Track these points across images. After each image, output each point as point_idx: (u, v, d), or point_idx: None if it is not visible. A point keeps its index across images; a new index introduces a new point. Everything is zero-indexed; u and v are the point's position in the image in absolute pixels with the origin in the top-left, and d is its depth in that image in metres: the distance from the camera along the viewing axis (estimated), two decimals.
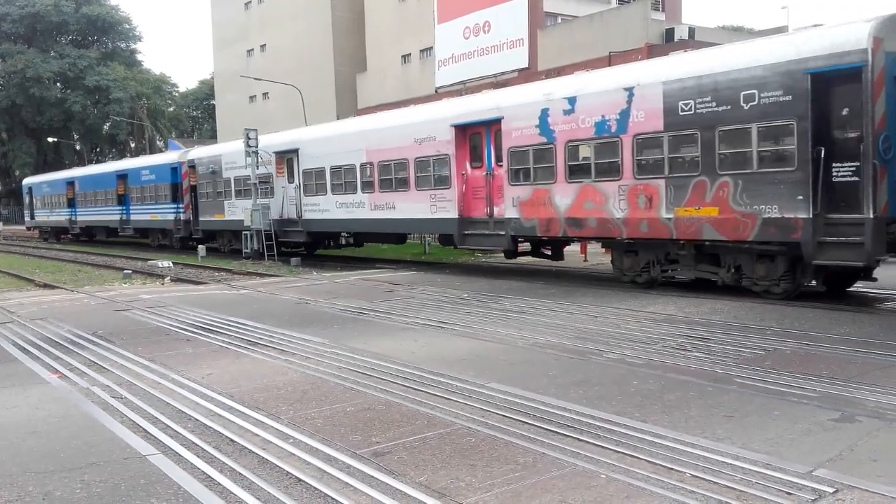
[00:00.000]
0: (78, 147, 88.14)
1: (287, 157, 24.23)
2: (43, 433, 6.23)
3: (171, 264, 25.30)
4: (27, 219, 53.19)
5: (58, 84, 79.80)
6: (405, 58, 49.11)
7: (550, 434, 5.78)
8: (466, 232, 17.81)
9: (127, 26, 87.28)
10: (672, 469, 5.00)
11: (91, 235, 43.34)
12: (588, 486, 4.76)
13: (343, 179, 21.58)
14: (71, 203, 43.69)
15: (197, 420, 6.45)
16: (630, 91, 13.73)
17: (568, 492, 4.68)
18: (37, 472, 5.30)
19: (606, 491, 4.69)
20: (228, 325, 11.51)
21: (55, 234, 47.83)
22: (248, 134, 24.95)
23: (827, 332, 9.60)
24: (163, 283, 19.88)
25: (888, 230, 10.99)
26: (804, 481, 4.73)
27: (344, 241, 25.86)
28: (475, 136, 17.54)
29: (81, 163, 71.40)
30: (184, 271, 23.55)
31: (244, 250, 26.11)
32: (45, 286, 19.86)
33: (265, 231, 24.76)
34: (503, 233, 16.68)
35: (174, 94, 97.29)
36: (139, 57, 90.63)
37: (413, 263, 22.51)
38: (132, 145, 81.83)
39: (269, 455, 5.49)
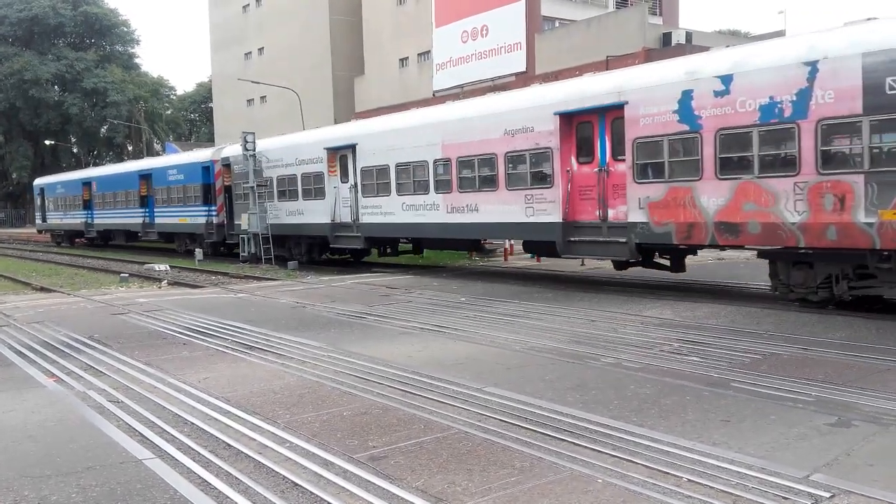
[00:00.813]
0: (75, 150, 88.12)
1: (341, 154, 21.52)
2: (39, 437, 6.22)
3: (168, 268, 25.29)
4: (38, 221, 50.39)
5: (55, 87, 79.81)
6: (403, 61, 49.19)
7: (547, 438, 5.79)
8: (572, 238, 15.13)
9: (125, 29, 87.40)
10: (668, 473, 5.00)
11: (107, 239, 40.84)
12: (584, 491, 4.76)
13: (412, 178, 18.82)
14: (87, 205, 40.72)
15: (193, 424, 6.44)
16: (813, 66, 11.19)
17: (564, 496, 4.69)
18: (33, 477, 5.29)
19: (603, 495, 4.69)
20: (225, 328, 11.50)
21: (69, 237, 45.11)
22: (245, 137, 24.96)
23: (823, 336, 9.62)
24: (160, 287, 19.87)
25: None
26: (801, 486, 4.74)
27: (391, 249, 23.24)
28: (584, 126, 14.91)
29: (79, 166, 71.26)
30: (181, 275, 23.53)
31: (241, 254, 26.09)
32: (42, 290, 19.85)
33: (262, 234, 24.74)
34: (623, 240, 14.02)
35: (172, 97, 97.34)
36: (137, 60, 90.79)
37: (409, 267, 22.50)
38: (129, 148, 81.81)
39: (265, 459, 5.48)
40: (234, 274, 22.60)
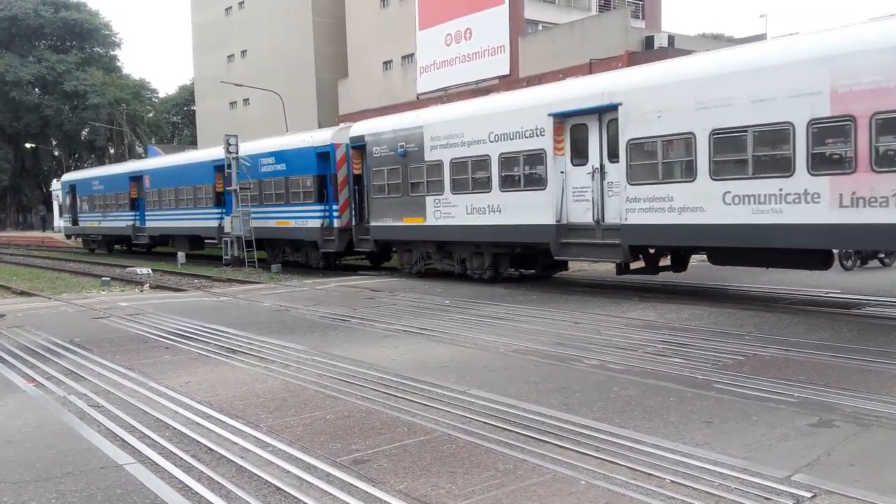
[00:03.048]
0: (56, 153, 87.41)
1: (575, 124, 14.82)
2: (18, 442, 6.14)
3: (150, 271, 25.13)
4: (66, 224, 43.49)
5: (36, 89, 79.12)
6: (387, 64, 49.11)
7: (531, 440, 5.78)
8: None
9: (106, 32, 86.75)
10: (651, 475, 5.01)
11: (151, 246, 34.78)
12: (568, 493, 4.76)
13: (749, 152, 12.02)
14: (135, 205, 34.10)
15: (175, 429, 6.39)
16: None
17: (548, 498, 4.68)
18: (12, 482, 5.22)
19: (586, 497, 4.69)
20: (208, 332, 11.42)
21: (107, 244, 38.60)
22: (228, 140, 24.86)
23: (805, 337, 9.68)
24: (141, 291, 19.73)
25: None
26: (782, 486, 4.76)
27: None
28: None
29: (60, 169, 70.61)
30: (163, 278, 23.38)
31: (224, 257, 25.94)
32: (22, 293, 19.65)
33: (245, 238, 24.62)
34: None
35: (154, 99, 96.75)
36: (118, 63, 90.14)
37: (394, 270, 22.44)
38: (111, 151, 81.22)
39: (247, 464, 5.45)
40: (216, 277, 22.48)
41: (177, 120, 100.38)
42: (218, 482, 5.10)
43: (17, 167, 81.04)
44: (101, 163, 71.52)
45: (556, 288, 16.15)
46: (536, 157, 15.39)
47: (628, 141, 13.68)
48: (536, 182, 15.48)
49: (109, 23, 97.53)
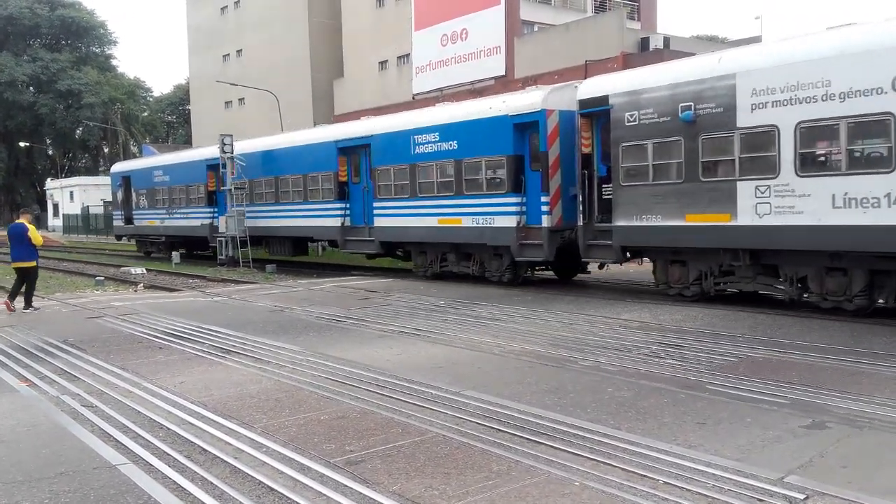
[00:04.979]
0: (50, 152, 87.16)
1: None
2: (11, 442, 6.13)
3: (145, 271, 25.09)
4: (118, 223, 36.42)
5: (30, 88, 78.94)
6: (382, 64, 49.11)
7: (525, 441, 5.79)
8: None
9: (102, 31, 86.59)
10: (645, 476, 5.02)
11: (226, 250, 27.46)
12: (562, 494, 4.77)
13: None
14: (212, 199, 27.89)
15: (168, 429, 6.37)
16: None
17: (542, 499, 4.69)
18: (4, 483, 5.21)
19: (580, 498, 4.70)
20: (202, 332, 11.40)
21: (171, 246, 31.45)
22: (223, 140, 24.84)
23: (798, 339, 9.71)
24: (136, 290, 19.70)
25: None
26: (775, 488, 4.77)
27: None
28: None
29: (54, 168, 70.28)
30: (157, 278, 23.34)
31: (219, 257, 25.89)
32: None
33: (239, 237, 24.58)
34: None
35: (148, 98, 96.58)
36: (114, 62, 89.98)
37: (389, 271, 22.45)
38: (105, 150, 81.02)
39: (241, 464, 5.44)
40: (210, 277, 22.45)
41: (172, 119, 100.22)
42: (211, 483, 5.09)
43: (10, 166, 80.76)
44: (95, 162, 71.24)
45: (551, 289, 16.15)
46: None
47: None
48: (866, 162, 10.48)
49: (105, 22, 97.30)
